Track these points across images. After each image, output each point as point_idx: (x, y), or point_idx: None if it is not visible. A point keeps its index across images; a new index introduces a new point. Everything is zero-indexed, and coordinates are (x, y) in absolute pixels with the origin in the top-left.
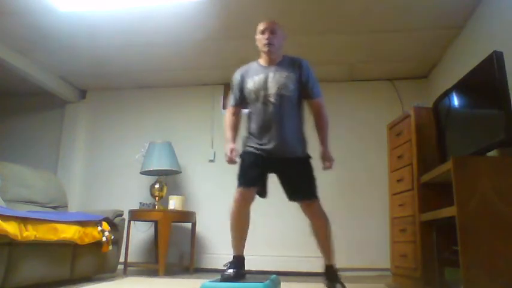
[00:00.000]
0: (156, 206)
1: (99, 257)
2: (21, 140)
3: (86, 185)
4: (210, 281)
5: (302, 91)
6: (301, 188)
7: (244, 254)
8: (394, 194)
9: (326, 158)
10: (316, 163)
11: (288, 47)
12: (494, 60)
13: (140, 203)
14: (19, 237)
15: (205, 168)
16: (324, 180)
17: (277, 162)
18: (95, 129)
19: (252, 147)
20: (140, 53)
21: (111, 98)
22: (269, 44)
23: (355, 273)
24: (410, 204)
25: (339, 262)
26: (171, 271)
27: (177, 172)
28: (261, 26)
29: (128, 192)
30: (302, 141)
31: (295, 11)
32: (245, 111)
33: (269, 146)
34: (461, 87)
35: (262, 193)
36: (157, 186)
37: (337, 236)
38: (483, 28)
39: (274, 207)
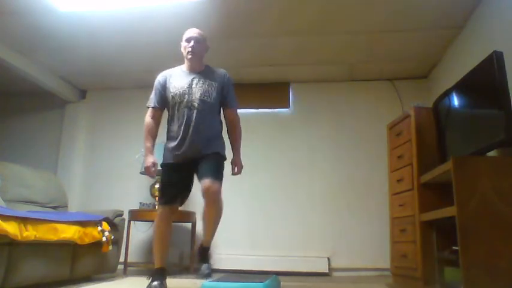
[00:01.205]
0: (156, 206)
1: (99, 257)
2: (21, 140)
3: (86, 185)
4: (210, 281)
5: (221, 101)
6: (205, 169)
7: (164, 265)
8: (394, 194)
9: (236, 164)
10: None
11: (288, 47)
12: (494, 60)
13: (140, 203)
14: (19, 237)
15: None
16: (324, 181)
17: (195, 160)
18: (95, 129)
19: (171, 155)
20: (140, 53)
21: (111, 98)
22: (193, 52)
23: (355, 273)
24: (410, 204)
25: (339, 262)
26: (171, 271)
27: None
28: (187, 34)
29: (128, 192)
30: (220, 144)
31: (295, 11)
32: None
33: (188, 150)
34: (461, 87)
35: (184, 198)
36: (157, 186)
37: (337, 235)
38: (483, 28)
39: (275, 208)
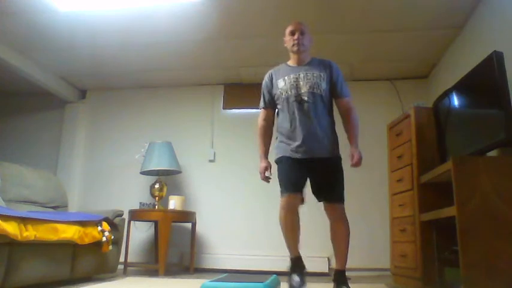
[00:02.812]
0: (156, 206)
1: (99, 257)
2: (21, 140)
3: (86, 185)
4: (210, 281)
5: (332, 91)
6: (329, 189)
7: (299, 253)
8: (394, 194)
9: (355, 155)
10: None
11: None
12: (494, 60)
13: (140, 203)
14: (19, 237)
15: (205, 168)
16: None
17: (311, 162)
18: (95, 129)
19: (287, 151)
20: (140, 53)
21: (111, 98)
22: (299, 44)
23: (355, 273)
24: (410, 204)
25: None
26: (171, 271)
27: (177, 172)
28: (290, 28)
29: (128, 192)
30: (334, 141)
31: (295, 11)
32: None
33: (302, 146)
34: (461, 87)
35: (302, 199)
36: (157, 186)
37: None
38: (483, 28)
39: (275, 208)
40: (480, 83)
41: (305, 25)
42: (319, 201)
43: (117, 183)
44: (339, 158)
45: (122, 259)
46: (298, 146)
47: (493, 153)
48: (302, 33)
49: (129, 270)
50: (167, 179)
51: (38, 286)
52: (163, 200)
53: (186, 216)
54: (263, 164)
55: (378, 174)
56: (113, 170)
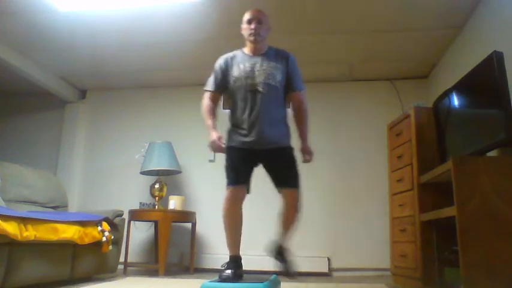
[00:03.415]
0: (156, 206)
1: (99, 257)
2: (21, 140)
3: (86, 185)
4: (210, 281)
5: (287, 83)
6: (284, 175)
7: (240, 253)
8: (394, 194)
9: (306, 152)
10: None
11: (288, 47)
12: (494, 60)
13: (140, 203)
14: (19, 237)
15: (205, 168)
16: (324, 180)
17: (263, 152)
18: (95, 129)
19: (237, 141)
20: (140, 53)
21: (111, 98)
22: (255, 33)
23: (355, 273)
24: (410, 204)
25: (339, 262)
26: (171, 271)
27: (177, 172)
28: (247, 16)
29: (128, 192)
30: (287, 132)
31: (295, 11)
32: (226, 111)
33: (254, 136)
34: (461, 87)
35: (247, 189)
36: (157, 186)
37: (337, 235)
38: (483, 28)
39: (275, 208)
40: (480, 83)
41: (263, 14)
42: (277, 188)
43: (117, 183)
44: (291, 148)
45: (122, 259)
46: (249, 136)
47: (493, 153)
48: (259, 22)
49: (129, 270)
50: (167, 179)
51: (38, 286)
52: (163, 200)
53: (186, 216)
54: (215, 134)
55: (378, 174)
56: (113, 170)
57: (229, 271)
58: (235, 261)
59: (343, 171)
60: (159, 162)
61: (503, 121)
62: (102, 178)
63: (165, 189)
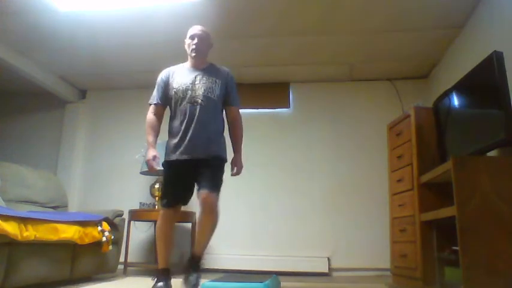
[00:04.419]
0: (156, 206)
1: (99, 257)
2: (21, 140)
3: (86, 185)
4: (210, 281)
5: (224, 98)
6: (204, 178)
7: (168, 266)
8: (394, 194)
9: (235, 164)
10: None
11: (288, 47)
12: (494, 60)
13: (140, 203)
14: (19, 237)
15: None
16: (324, 181)
17: (195, 162)
18: (95, 129)
19: (171, 154)
20: (140, 53)
21: (111, 98)
22: (196, 49)
23: (355, 273)
24: (410, 204)
25: (339, 262)
26: (171, 271)
27: None
28: (191, 32)
29: (128, 192)
30: (221, 145)
31: (295, 11)
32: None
33: (188, 146)
34: (461, 87)
35: (187, 198)
36: (157, 186)
37: (337, 235)
38: (483, 28)
39: (275, 208)
40: (480, 83)
41: (205, 31)
42: (198, 192)
43: (117, 183)
44: (222, 160)
45: (122, 259)
46: (183, 146)
47: (493, 153)
48: (201, 39)
49: (129, 270)
50: None
51: (38, 286)
52: None
53: (186, 216)
54: (152, 153)
55: (378, 174)
56: (113, 170)
57: (161, 283)
58: (165, 274)
59: (343, 171)
60: (159, 162)
61: (503, 121)
62: (102, 178)
63: None
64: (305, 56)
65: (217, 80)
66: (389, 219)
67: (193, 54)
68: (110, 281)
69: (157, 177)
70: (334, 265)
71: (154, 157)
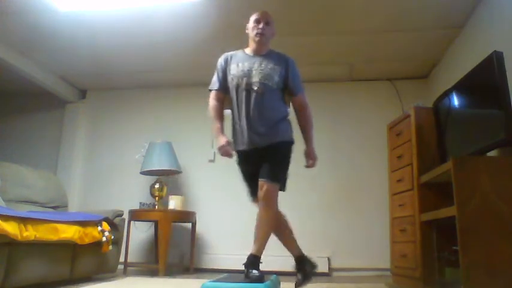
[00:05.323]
0: (156, 206)
1: (99, 257)
2: (21, 140)
3: (86, 185)
4: (210, 281)
5: (286, 86)
6: (264, 166)
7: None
8: (394, 194)
9: (308, 156)
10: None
11: (288, 47)
12: (494, 60)
13: (140, 203)
14: (19, 237)
15: (205, 168)
16: (324, 181)
17: (259, 150)
18: (95, 129)
19: (238, 143)
20: (140, 53)
21: (111, 98)
22: (262, 33)
23: (355, 273)
24: (410, 204)
25: (339, 262)
26: (171, 271)
27: (177, 172)
28: (255, 15)
29: (128, 192)
30: (283, 130)
31: (295, 11)
32: (228, 111)
33: (252, 136)
34: (461, 87)
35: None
36: (157, 186)
37: (337, 235)
38: (483, 28)
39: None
40: (480, 83)
41: (271, 16)
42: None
43: (117, 183)
44: (286, 142)
45: (122, 259)
46: (243, 136)
47: (493, 153)
48: (267, 24)
49: (129, 270)
50: (167, 179)
51: (38, 286)
52: (163, 200)
53: (186, 216)
54: (223, 139)
55: (378, 174)
56: (113, 170)
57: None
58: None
59: (343, 171)
60: (159, 162)
61: (503, 121)
62: (102, 178)
63: (165, 189)
64: (305, 56)
65: (276, 67)
66: (389, 219)
67: (257, 39)
68: (110, 281)
69: (157, 177)
70: (334, 265)
71: (228, 142)
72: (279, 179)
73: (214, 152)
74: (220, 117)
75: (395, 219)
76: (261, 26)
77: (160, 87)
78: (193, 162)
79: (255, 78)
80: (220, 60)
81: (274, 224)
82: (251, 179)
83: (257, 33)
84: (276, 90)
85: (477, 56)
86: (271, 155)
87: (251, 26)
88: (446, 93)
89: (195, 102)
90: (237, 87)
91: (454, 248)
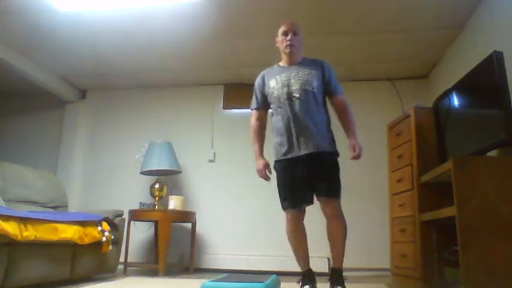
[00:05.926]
0: (156, 206)
1: (99, 257)
2: (21, 140)
3: (86, 185)
4: (210, 281)
5: (325, 89)
6: (323, 183)
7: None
8: (394, 194)
9: (355, 147)
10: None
11: None
12: (494, 60)
13: (140, 203)
14: (19, 237)
15: (205, 168)
16: None
17: (305, 158)
18: (95, 129)
19: (280, 154)
20: (140, 53)
21: (111, 98)
22: (291, 45)
23: (355, 273)
24: (410, 204)
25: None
26: (171, 271)
27: (177, 172)
28: (283, 28)
29: (128, 192)
30: (328, 137)
31: (295, 11)
32: (269, 111)
33: (295, 143)
34: (461, 87)
35: (308, 197)
36: (157, 186)
37: None
38: (483, 28)
39: (275, 208)
40: (480, 83)
41: (298, 26)
42: (317, 197)
43: (117, 183)
44: (335, 154)
45: (122, 259)
46: (289, 145)
47: (493, 153)
48: (295, 34)
49: (129, 270)
50: (167, 179)
51: (38, 286)
52: (163, 200)
53: (186, 216)
54: (261, 162)
55: (378, 174)
56: (113, 170)
57: (307, 286)
58: (310, 275)
59: (343, 171)
60: (159, 162)
61: (503, 121)
62: (102, 178)
63: (165, 189)
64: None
65: (312, 71)
66: (389, 219)
67: (288, 50)
68: (110, 281)
69: (157, 177)
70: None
71: (266, 165)
72: (340, 193)
73: (214, 152)
74: (260, 138)
75: (395, 219)
76: (289, 37)
77: (160, 87)
78: (193, 162)
79: (295, 86)
80: (258, 80)
81: (346, 232)
82: (292, 188)
83: (287, 46)
84: (317, 94)
85: (477, 56)
86: (329, 169)
87: (280, 40)
88: (446, 93)
89: (195, 102)
90: (279, 98)
91: (454, 248)
